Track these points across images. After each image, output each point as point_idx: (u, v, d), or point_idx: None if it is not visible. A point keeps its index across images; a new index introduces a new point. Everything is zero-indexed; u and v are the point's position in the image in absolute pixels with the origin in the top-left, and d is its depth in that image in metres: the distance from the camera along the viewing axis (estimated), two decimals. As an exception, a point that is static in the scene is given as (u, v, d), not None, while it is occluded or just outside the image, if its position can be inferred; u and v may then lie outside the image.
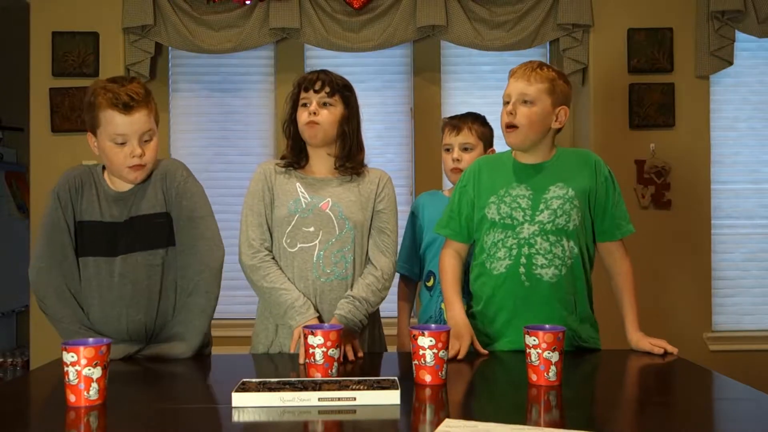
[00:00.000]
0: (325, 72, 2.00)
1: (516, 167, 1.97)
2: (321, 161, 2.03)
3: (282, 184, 2.01)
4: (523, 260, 1.88)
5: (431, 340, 1.48)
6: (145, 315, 1.85)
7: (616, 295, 1.97)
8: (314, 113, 1.95)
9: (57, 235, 1.84)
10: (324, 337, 1.57)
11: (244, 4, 3.78)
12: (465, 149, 2.30)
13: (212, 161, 3.93)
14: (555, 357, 1.48)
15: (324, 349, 1.57)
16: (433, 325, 1.56)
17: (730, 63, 3.78)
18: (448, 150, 2.33)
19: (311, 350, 1.58)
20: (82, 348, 1.35)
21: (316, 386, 1.39)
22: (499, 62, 3.92)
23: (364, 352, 1.93)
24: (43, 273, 1.83)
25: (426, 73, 3.99)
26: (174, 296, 1.88)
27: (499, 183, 1.95)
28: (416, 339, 1.50)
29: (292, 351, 1.87)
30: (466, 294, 2.03)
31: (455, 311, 1.91)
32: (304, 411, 1.33)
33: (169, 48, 3.93)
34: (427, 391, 1.46)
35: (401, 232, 2.24)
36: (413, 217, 2.40)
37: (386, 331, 2.16)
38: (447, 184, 2.63)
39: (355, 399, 1.35)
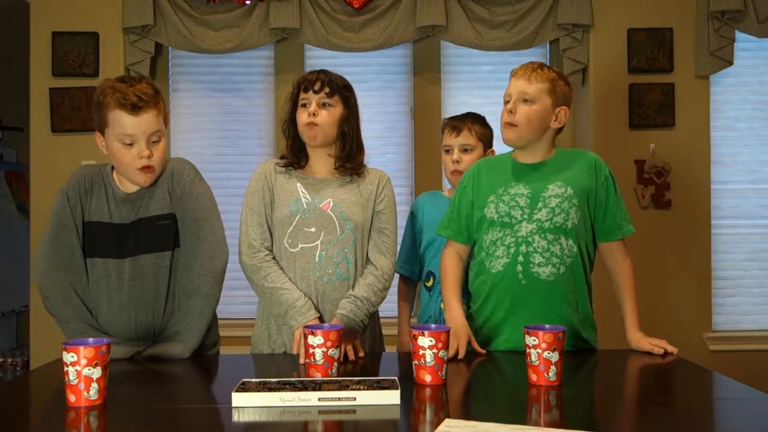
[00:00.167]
0: (324, 72, 2.00)
1: (515, 167, 1.97)
2: (321, 161, 2.03)
3: (282, 184, 2.00)
4: (520, 258, 1.88)
5: (431, 340, 1.49)
6: (154, 316, 1.85)
7: (616, 295, 1.97)
8: (313, 114, 1.95)
9: (64, 235, 1.83)
10: (324, 337, 1.57)
11: (244, 4, 3.78)
12: (465, 150, 2.29)
13: (212, 161, 3.93)
14: (555, 357, 1.48)
15: (324, 349, 1.57)
16: (433, 325, 1.56)
17: (730, 63, 3.78)
18: (447, 151, 2.33)
19: (311, 350, 1.58)
20: (82, 348, 1.35)
21: (316, 386, 1.39)
22: (499, 62, 3.92)
23: (364, 351, 1.93)
24: (48, 273, 1.82)
25: (426, 73, 3.99)
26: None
27: (498, 182, 1.96)
28: (416, 339, 1.50)
29: (294, 352, 1.86)
30: (466, 294, 2.03)
31: (454, 313, 1.91)
32: (304, 411, 1.33)
33: (169, 48, 3.93)
34: (427, 391, 1.46)
35: (401, 232, 2.24)
36: (413, 217, 2.40)
37: (386, 331, 2.16)
38: (447, 185, 2.62)
39: (355, 399, 1.35)
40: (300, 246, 1.96)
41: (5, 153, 4.75)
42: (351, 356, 1.82)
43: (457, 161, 2.28)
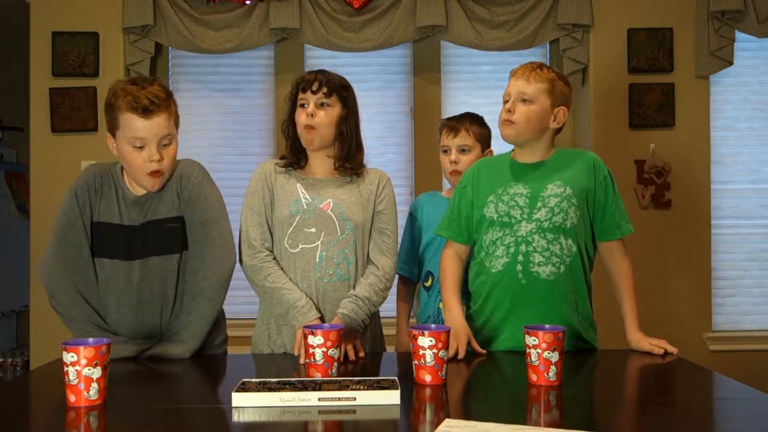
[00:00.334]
0: (322, 72, 1.99)
1: (514, 167, 1.97)
2: (320, 162, 2.03)
3: (282, 185, 2.00)
4: (520, 258, 1.88)
5: (431, 340, 1.49)
6: (161, 317, 1.86)
7: (616, 295, 1.97)
8: (311, 115, 1.95)
9: (72, 234, 1.83)
10: (324, 337, 1.57)
11: (244, 4, 3.78)
12: (462, 151, 2.29)
13: (212, 161, 3.90)
14: (555, 357, 1.48)
15: (324, 349, 1.57)
16: (433, 325, 1.56)
17: (730, 63, 3.78)
18: (445, 152, 2.33)
19: (311, 350, 1.58)
20: (82, 348, 1.35)
21: (316, 386, 1.39)
22: (499, 62, 3.92)
23: (365, 351, 1.93)
24: (55, 272, 1.82)
25: (426, 73, 3.99)
26: None
27: (497, 182, 1.96)
28: (416, 339, 1.50)
29: (295, 353, 1.86)
30: (466, 295, 2.03)
31: (453, 313, 1.92)
32: (304, 411, 1.33)
33: (169, 48, 3.93)
34: (427, 391, 1.46)
35: (400, 232, 2.24)
36: (412, 217, 2.39)
37: (386, 331, 2.16)
38: (446, 185, 2.62)
39: (355, 399, 1.35)
40: (300, 246, 1.96)
41: (5, 153, 4.75)
42: (351, 356, 1.82)
43: (455, 162, 2.28)
